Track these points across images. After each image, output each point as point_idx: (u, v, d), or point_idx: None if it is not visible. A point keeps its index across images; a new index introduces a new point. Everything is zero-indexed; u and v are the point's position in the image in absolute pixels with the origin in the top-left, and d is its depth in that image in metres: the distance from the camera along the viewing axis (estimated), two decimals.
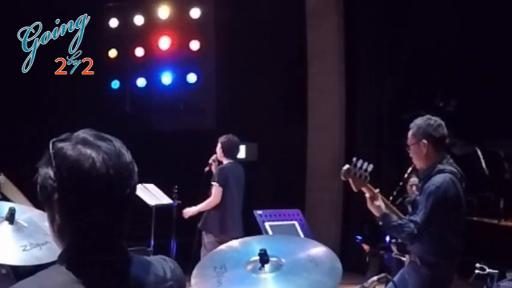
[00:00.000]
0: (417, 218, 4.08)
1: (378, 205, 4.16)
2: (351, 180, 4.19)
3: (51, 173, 1.40)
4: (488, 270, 4.61)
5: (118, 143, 1.48)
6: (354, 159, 4.20)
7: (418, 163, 4.32)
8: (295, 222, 4.86)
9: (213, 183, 6.85)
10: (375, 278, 2.89)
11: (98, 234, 1.44)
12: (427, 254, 4.15)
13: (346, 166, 4.18)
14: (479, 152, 8.08)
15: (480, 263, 4.67)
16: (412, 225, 4.05)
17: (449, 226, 4.15)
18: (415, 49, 9.00)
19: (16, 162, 7.97)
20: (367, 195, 4.21)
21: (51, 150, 1.42)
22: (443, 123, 4.29)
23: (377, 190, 4.23)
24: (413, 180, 7.94)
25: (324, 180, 9.16)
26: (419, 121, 4.29)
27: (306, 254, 2.76)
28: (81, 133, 1.46)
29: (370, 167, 4.17)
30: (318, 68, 9.50)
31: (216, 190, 6.82)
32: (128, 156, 1.48)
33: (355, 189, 4.23)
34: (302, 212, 5.07)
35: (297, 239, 4.14)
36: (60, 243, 1.48)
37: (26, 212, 3.28)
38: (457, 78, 8.57)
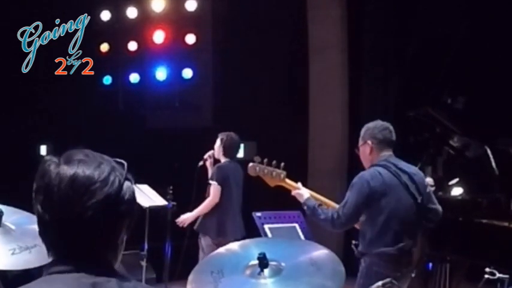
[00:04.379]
0: (340, 205, 4.46)
1: (298, 193, 4.62)
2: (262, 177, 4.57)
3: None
4: (498, 275, 4.60)
5: (90, 159, 1.47)
6: (256, 157, 4.52)
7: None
8: (296, 225, 4.79)
9: (211, 181, 6.77)
10: (380, 283, 2.98)
11: (65, 246, 1.46)
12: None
13: (250, 164, 4.56)
14: (488, 151, 7.95)
15: (490, 268, 4.65)
16: (330, 211, 4.44)
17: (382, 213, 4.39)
18: (421, 43, 9.01)
19: (15, 161, 8.06)
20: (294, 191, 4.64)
21: None
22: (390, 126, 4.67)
23: (299, 183, 4.69)
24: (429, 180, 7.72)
25: (326, 180, 9.05)
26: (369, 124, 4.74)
27: (307, 257, 2.74)
28: (73, 150, 1.50)
29: (282, 165, 4.55)
30: (320, 62, 9.53)
31: (214, 189, 6.73)
32: (97, 174, 1.45)
33: (271, 185, 4.64)
34: (303, 213, 4.98)
35: (298, 242, 4.13)
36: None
37: (14, 214, 3.19)
38: (465, 74, 8.53)
